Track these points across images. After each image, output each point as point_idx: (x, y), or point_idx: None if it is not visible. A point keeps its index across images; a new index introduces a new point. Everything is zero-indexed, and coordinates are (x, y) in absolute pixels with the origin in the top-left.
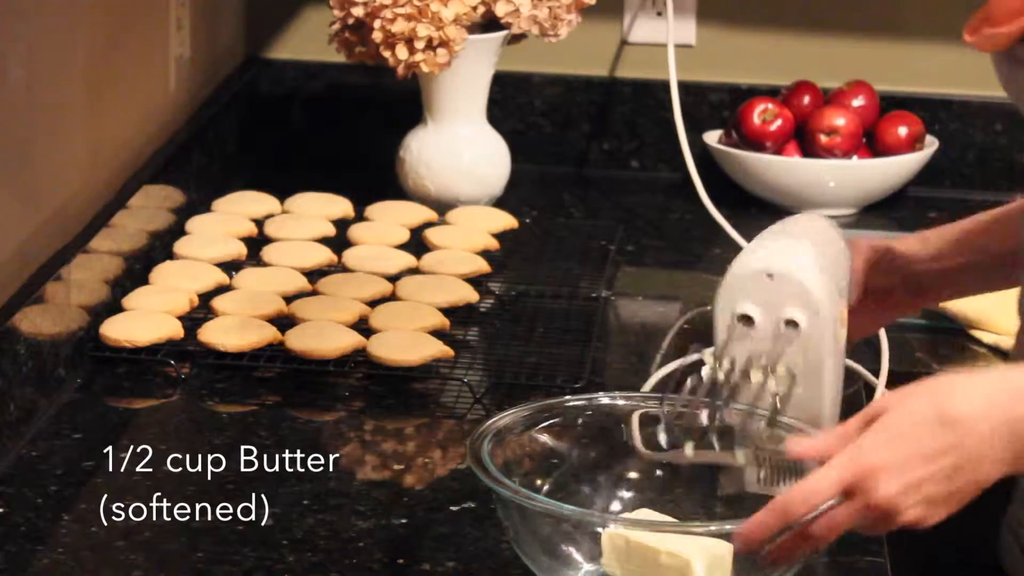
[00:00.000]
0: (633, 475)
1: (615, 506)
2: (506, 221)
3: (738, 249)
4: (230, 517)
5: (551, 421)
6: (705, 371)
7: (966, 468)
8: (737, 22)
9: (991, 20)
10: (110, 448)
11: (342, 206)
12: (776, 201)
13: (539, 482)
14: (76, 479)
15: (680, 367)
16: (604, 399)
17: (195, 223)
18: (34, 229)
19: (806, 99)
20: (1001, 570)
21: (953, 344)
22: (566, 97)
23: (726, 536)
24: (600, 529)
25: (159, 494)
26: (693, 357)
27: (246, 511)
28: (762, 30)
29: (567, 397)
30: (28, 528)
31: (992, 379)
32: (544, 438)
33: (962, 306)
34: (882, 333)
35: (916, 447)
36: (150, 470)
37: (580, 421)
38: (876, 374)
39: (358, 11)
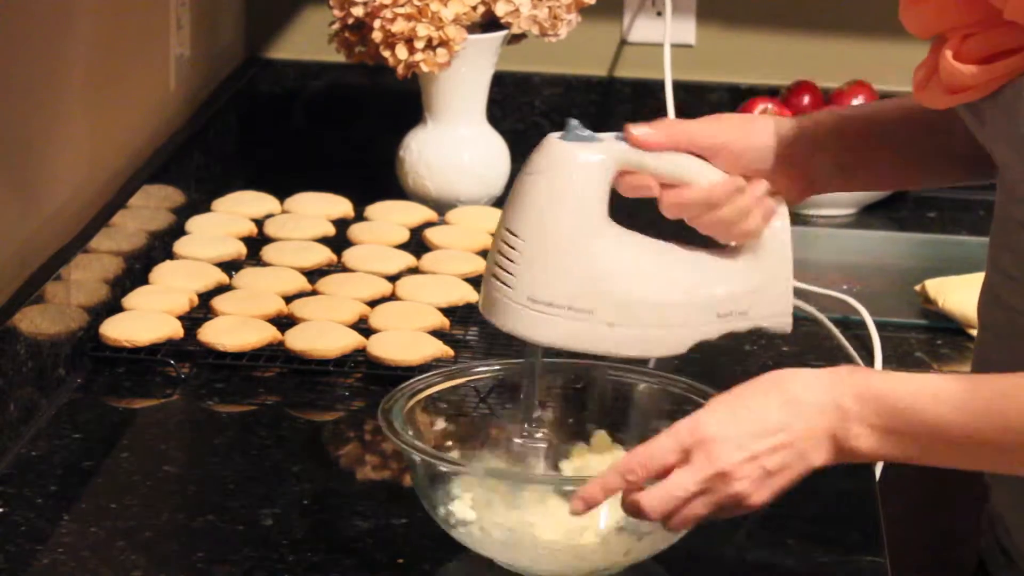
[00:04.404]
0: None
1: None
2: None
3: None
4: (230, 517)
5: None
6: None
7: (796, 448)
8: (737, 22)
9: (946, 86)
10: (110, 448)
11: (342, 206)
12: None
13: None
14: (76, 479)
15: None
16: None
17: (195, 223)
18: (34, 229)
19: (806, 99)
20: (983, 566)
21: (952, 344)
22: (566, 97)
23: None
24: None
25: (159, 494)
26: None
27: (246, 511)
28: (762, 30)
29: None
30: (28, 528)
31: (833, 375)
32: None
33: (962, 306)
34: (875, 334)
35: (753, 423)
36: (150, 470)
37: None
38: None
39: (358, 11)
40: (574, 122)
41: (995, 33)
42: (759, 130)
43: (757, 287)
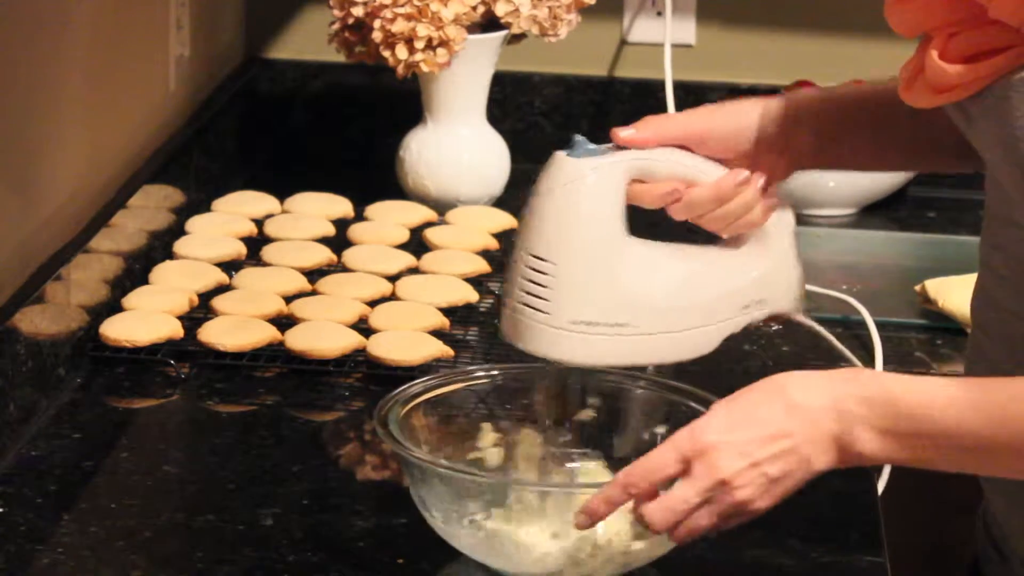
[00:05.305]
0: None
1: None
2: (506, 221)
3: None
4: (230, 517)
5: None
6: None
7: (799, 454)
8: (737, 22)
9: (931, 85)
10: (110, 448)
11: (342, 206)
12: None
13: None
14: (76, 479)
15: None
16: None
17: (195, 223)
18: (34, 229)
19: None
20: (977, 566)
21: (952, 344)
22: (566, 97)
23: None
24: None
25: (159, 494)
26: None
27: (246, 511)
28: (762, 30)
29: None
30: (28, 528)
31: (837, 378)
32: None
33: (962, 306)
34: (875, 334)
35: (754, 430)
36: (150, 470)
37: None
38: None
39: (358, 11)
40: (579, 138)
41: (980, 32)
42: (741, 113)
43: (769, 273)
